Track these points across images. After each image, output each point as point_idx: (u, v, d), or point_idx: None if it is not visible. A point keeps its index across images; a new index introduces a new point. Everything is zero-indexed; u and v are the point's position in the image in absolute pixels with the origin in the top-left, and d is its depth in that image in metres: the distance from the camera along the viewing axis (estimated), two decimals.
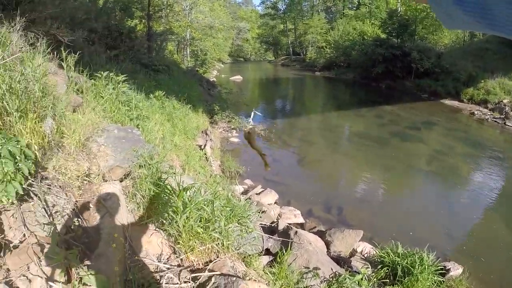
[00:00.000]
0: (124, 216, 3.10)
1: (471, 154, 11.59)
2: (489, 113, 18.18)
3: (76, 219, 2.66)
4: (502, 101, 19.04)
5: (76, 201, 2.87)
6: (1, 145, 2.16)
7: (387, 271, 4.46)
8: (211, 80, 26.49)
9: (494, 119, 17.11)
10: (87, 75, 5.13)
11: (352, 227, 6.01)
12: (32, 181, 2.50)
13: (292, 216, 6.35)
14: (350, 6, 58.14)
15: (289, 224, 5.56)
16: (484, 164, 10.59)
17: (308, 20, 57.35)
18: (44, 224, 2.34)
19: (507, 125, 16.17)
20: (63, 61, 4.48)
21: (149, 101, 7.54)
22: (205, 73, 26.05)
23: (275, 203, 6.94)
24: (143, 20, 18.09)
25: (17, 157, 2.21)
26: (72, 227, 2.56)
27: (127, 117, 5.25)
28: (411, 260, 4.42)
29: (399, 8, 35.39)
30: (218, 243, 3.25)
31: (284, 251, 3.98)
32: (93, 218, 2.81)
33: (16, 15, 4.33)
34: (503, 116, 17.24)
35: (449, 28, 0.45)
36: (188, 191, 3.33)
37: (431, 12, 31.67)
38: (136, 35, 13.27)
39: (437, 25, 31.72)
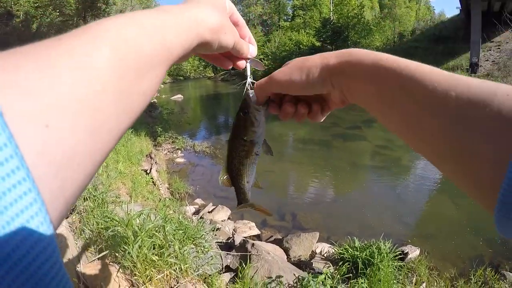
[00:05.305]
0: (75, 254, 2.93)
1: None
2: None
3: None
4: None
5: None
6: None
7: (348, 266, 4.57)
8: (152, 101, 25.85)
9: None
10: None
11: (308, 230, 6.13)
12: None
13: (247, 229, 6.34)
14: (285, 18, 60.25)
15: (245, 237, 5.55)
16: None
17: None
18: None
19: None
20: None
21: None
22: None
23: (228, 218, 6.89)
24: None
25: None
26: None
27: None
28: (369, 251, 4.58)
29: (331, 17, 37.34)
30: (176, 268, 3.17)
31: (244, 265, 3.97)
32: None
33: None
34: None
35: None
36: (137, 219, 3.23)
37: (362, 19, 33.88)
38: None
39: (368, 30, 33.90)
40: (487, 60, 23.93)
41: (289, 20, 57.74)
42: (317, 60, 0.59)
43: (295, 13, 55.19)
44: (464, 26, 28.29)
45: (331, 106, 0.66)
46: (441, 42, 28.92)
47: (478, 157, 0.38)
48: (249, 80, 0.74)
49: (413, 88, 0.45)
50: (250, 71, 0.75)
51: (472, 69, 22.60)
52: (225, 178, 0.81)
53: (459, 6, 30.05)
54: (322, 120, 0.69)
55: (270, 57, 41.72)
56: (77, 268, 2.81)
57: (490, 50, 25.07)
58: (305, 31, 42.43)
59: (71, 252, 2.88)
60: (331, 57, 0.57)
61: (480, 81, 0.41)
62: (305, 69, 0.59)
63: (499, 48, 24.87)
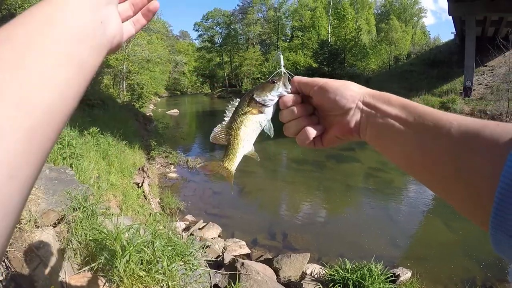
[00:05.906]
0: (60, 264, 2.89)
1: None
2: None
3: (6, 271, 2.43)
4: None
5: (6, 251, 2.62)
6: None
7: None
8: (148, 114, 25.93)
9: None
10: None
11: (299, 250, 6.08)
12: None
13: (237, 247, 6.28)
14: (283, 38, 61.07)
15: (235, 256, 5.49)
16: None
17: (244, 53, 59.41)
18: None
19: None
20: None
21: (83, 138, 7.20)
22: (142, 107, 25.43)
23: (219, 236, 6.84)
24: None
25: None
26: (2, 281, 2.33)
27: (60, 155, 4.98)
28: (360, 273, 4.54)
29: (329, 39, 37.94)
30: (163, 285, 3.13)
31: (233, 285, 3.92)
32: (26, 269, 2.58)
33: None
34: None
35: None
36: (126, 232, 3.19)
37: (358, 42, 34.42)
38: None
39: (364, 53, 34.45)
40: (480, 84, 24.41)
41: (288, 40, 58.67)
42: (353, 83, 0.73)
43: (293, 34, 56.15)
44: (458, 50, 28.98)
45: (325, 142, 0.76)
46: (436, 66, 29.56)
47: (477, 171, 0.47)
48: (283, 69, 0.79)
49: (424, 118, 0.58)
50: (284, 62, 0.81)
51: (466, 92, 23.00)
52: (217, 132, 0.82)
53: (454, 31, 30.80)
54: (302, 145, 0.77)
55: (267, 76, 42.12)
56: (61, 279, 2.76)
57: (483, 74, 25.64)
58: (302, 52, 43.10)
59: (57, 262, 2.84)
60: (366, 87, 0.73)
61: (474, 118, 0.54)
62: (342, 82, 0.72)
63: (492, 72, 25.46)
